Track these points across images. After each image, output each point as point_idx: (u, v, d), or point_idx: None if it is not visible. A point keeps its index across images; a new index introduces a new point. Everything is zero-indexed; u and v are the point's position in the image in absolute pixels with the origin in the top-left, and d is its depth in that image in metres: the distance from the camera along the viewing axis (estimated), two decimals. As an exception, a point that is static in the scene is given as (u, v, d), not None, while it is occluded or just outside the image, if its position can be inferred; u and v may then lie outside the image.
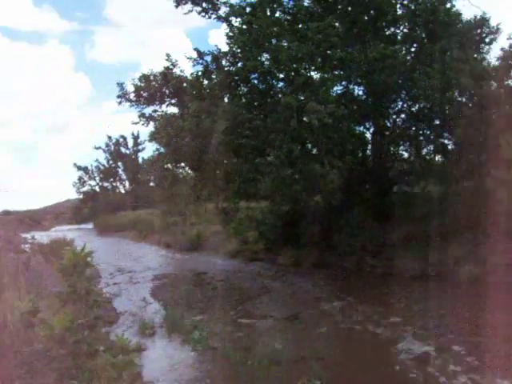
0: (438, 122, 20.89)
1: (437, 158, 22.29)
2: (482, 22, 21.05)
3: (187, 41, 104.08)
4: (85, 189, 67.27)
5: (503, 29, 21.06)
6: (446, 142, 21.34)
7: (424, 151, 22.66)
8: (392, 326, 12.00)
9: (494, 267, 15.65)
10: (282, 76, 20.20)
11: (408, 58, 21.36)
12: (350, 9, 21.57)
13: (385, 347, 10.51)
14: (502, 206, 14.90)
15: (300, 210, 22.57)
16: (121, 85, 21.37)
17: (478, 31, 21.21)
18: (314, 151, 20.60)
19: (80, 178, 66.73)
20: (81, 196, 68.00)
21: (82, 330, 4.64)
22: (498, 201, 15.07)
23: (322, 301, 15.23)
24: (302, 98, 18.78)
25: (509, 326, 11.08)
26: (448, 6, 21.21)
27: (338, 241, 20.36)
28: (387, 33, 22.20)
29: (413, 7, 21.11)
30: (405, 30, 22.23)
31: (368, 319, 12.74)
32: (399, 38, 22.31)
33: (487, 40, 21.28)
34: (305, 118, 18.22)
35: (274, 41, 19.52)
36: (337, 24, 21.05)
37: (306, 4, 21.40)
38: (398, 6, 22.19)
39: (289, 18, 20.89)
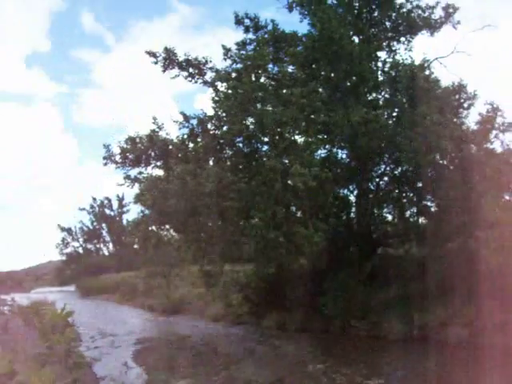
0: (420, 185, 21.13)
1: (420, 220, 22.46)
2: (460, 88, 21.67)
3: (173, 104, 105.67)
4: (68, 250, 66.70)
5: (480, 94, 21.71)
6: (428, 203, 21.58)
7: (407, 213, 22.86)
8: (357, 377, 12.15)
9: (481, 329, 15.57)
10: (266, 139, 20.45)
11: (390, 122, 21.78)
12: (332, 75, 22.17)
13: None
14: (486, 267, 14.94)
15: (285, 273, 22.47)
16: (107, 146, 21.44)
17: (457, 97, 21.79)
18: (299, 214, 20.71)
19: (63, 239, 66.26)
20: (64, 257, 67.27)
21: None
22: (482, 261, 15.12)
23: (306, 364, 15.01)
24: (287, 161, 19.01)
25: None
26: (427, 72, 21.92)
27: (323, 304, 20.19)
28: (369, 98, 22.76)
29: (393, 74, 21.73)
30: (386, 96, 22.81)
31: (351, 381, 12.65)
32: (381, 102, 22.86)
33: (465, 105, 21.85)
34: (289, 181, 18.38)
35: (258, 105, 19.87)
36: (320, 89, 21.61)
37: (289, 70, 21.97)
38: (380, 72, 22.98)
39: (273, 83, 21.40)
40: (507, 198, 17.51)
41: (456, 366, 13.79)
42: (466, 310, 16.30)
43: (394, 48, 23.70)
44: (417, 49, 24.46)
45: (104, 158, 21.57)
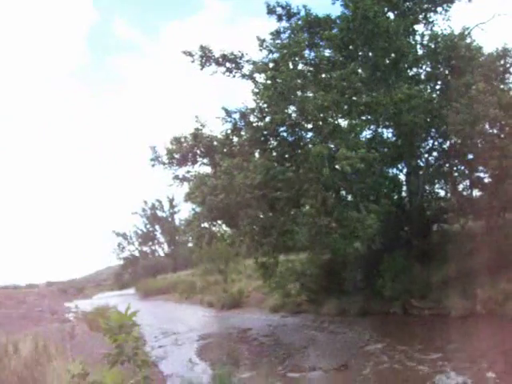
0: (471, 157, 20.65)
1: (474, 193, 21.96)
2: (505, 53, 21.02)
3: (215, 101, 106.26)
4: (124, 254, 68.07)
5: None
6: (481, 175, 21.05)
7: (460, 187, 22.40)
8: (432, 362, 12.05)
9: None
10: (310, 126, 20.37)
11: (434, 95, 21.37)
12: (370, 54, 21.84)
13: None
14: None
15: (340, 258, 22.31)
16: (153, 148, 21.81)
17: (502, 62, 21.17)
18: (349, 198, 20.53)
19: (119, 244, 67.66)
20: (121, 262, 68.70)
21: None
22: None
23: (367, 346, 14.94)
24: (332, 145, 18.87)
25: None
26: (468, 41, 21.32)
27: (382, 286, 19.99)
28: (410, 73, 22.36)
29: (433, 46, 21.27)
30: (428, 69, 22.35)
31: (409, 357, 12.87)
32: (423, 77, 22.42)
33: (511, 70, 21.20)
34: (336, 166, 18.25)
35: (299, 92, 19.76)
36: (359, 70, 21.33)
37: (327, 54, 21.79)
38: (418, 46, 22.43)
39: (311, 69, 21.25)
40: None
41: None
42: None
43: (431, 19, 23.08)
44: (456, 18, 23.83)
45: (151, 159, 21.96)
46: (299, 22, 22.66)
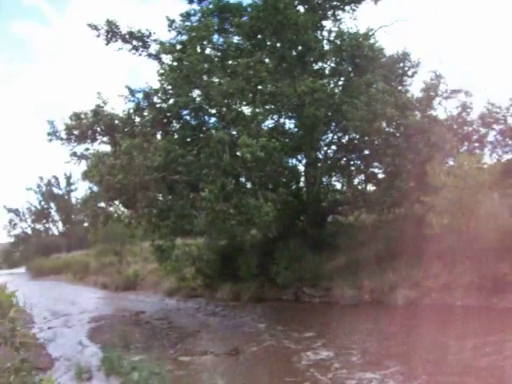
0: (367, 152, 21.45)
1: (368, 187, 22.85)
2: (404, 56, 21.93)
3: (119, 79, 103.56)
4: (16, 231, 65.26)
5: (423, 63, 22.01)
6: (376, 171, 21.96)
7: (356, 181, 23.27)
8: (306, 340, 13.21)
9: (428, 290, 16.11)
10: (213, 111, 20.36)
11: (336, 91, 21.99)
12: (278, 45, 22.11)
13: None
14: (431, 230, 15.36)
15: (237, 245, 22.61)
16: (51, 123, 20.90)
17: (401, 65, 22.08)
18: (248, 185, 20.74)
19: (11, 221, 64.75)
20: (12, 239, 65.84)
21: (8, 374, 4.44)
22: (428, 225, 15.53)
23: (260, 333, 15.22)
24: (234, 132, 18.99)
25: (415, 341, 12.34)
26: (372, 41, 22.05)
27: (276, 273, 20.42)
28: (315, 67, 22.88)
29: (338, 43, 21.82)
30: (332, 65, 22.95)
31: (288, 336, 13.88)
32: (327, 72, 23.02)
33: (409, 73, 22.16)
34: (238, 153, 18.38)
35: (205, 77, 19.71)
36: (266, 60, 21.55)
37: (235, 41, 21.84)
38: (325, 41, 22.98)
39: (219, 54, 21.25)
40: (451, 163, 17.89)
41: (397, 325, 14.46)
42: (414, 272, 16.77)
43: (339, 17, 23.70)
44: (362, 18, 24.57)
45: (48, 134, 21.07)
46: (210, 6, 22.52)
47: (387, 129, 20.10)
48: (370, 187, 22.78)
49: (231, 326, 17.25)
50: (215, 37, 21.41)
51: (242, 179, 20.60)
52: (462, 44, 44.59)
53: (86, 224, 41.41)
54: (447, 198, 15.20)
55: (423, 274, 16.60)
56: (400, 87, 21.67)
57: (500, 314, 13.60)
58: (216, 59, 20.69)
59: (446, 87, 19.62)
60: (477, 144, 19.43)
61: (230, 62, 20.49)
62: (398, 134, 19.47)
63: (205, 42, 20.38)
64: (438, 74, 19.74)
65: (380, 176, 21.72)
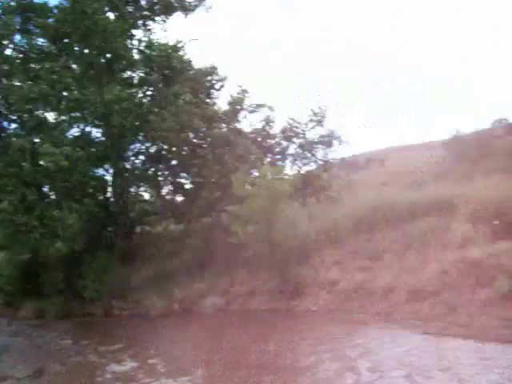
0: (175, 163, 21.64)
1: (176, 198, 23.02)
2: (212, 70, 22.49)
3: None
4: None
5: (230, 78, 22.80)
6: (183, 181, 22.19)
7: (164, 191, 23.26)
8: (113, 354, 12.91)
9: (236, 296, 16.69)
10: (14, 117, 19.18)
11: (144, 100, 21.87)
12: (86, 51, 21.36)
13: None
14: (237, 239, 15.92)
15: (41, 259, 21.47)
16: None
17: (209, 78, 22.61)
18: (53, 196, 19.83)
19: None
20: None
21: None
22: (234, 234, 16.05)
23: (66, 351, 14.56)
24: (37, 140, 18.06)
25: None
26: (181, 53, 22.28)
27: (83, 287, 19.71)
28: (124, 76, 22.51)
29: (148, 52, 21.70)
30: (141, 74, 22.69)
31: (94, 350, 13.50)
32: (136, 81, 22.73)
33: (217, 87, 22.73)
34: (40, 161, 17.49)
35: (4, 80, 18.51)
36: (74, 65, 20.78)
37: (39, 43, 20.72)
38: (135, 50, 22.65)
39: (21, 56, 20.00)
40: (255, 174, 18.68)
41: (204, 332, 14.81)
42: (222, 280, 17.26)
43: (149, 27, 23.47)
44: (174, 30, 24.74)
45: None
46: (12, 4, 21.07)
47: (194, 140, 20.49)
48: (178, 197, 23.00)
49: (35, 345, 16.22)
50: (17, 37, 20.13)
51: (46, 189, 19.62)
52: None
53: None
54: (251, 208, 15.81)
55: (231, 282, 17.17)
56: (208, 100, 22.18)
57: (299, 316, 14.47)
58: (17, 61, 19.49)
59: (252, 102, 20.58)
60: (279, 156, 20.66)
61: (33, 66, 19.43)
62: (204, 146, 19.92)
63: (5, 42, 19.12)
64: (243, 88, 20.65)
65: (187, 186, 22.01)
